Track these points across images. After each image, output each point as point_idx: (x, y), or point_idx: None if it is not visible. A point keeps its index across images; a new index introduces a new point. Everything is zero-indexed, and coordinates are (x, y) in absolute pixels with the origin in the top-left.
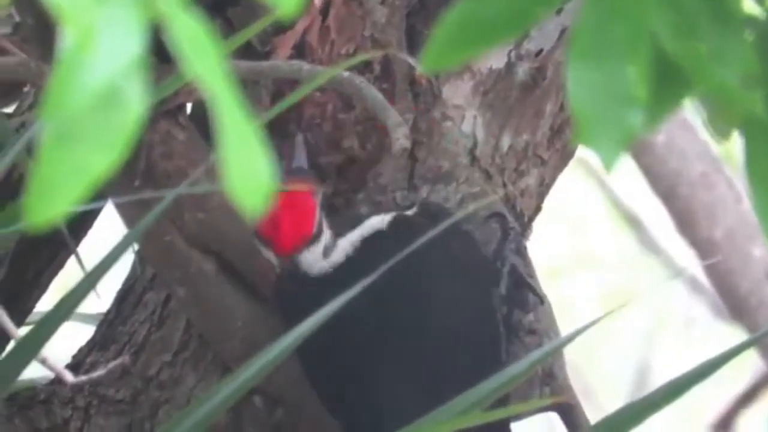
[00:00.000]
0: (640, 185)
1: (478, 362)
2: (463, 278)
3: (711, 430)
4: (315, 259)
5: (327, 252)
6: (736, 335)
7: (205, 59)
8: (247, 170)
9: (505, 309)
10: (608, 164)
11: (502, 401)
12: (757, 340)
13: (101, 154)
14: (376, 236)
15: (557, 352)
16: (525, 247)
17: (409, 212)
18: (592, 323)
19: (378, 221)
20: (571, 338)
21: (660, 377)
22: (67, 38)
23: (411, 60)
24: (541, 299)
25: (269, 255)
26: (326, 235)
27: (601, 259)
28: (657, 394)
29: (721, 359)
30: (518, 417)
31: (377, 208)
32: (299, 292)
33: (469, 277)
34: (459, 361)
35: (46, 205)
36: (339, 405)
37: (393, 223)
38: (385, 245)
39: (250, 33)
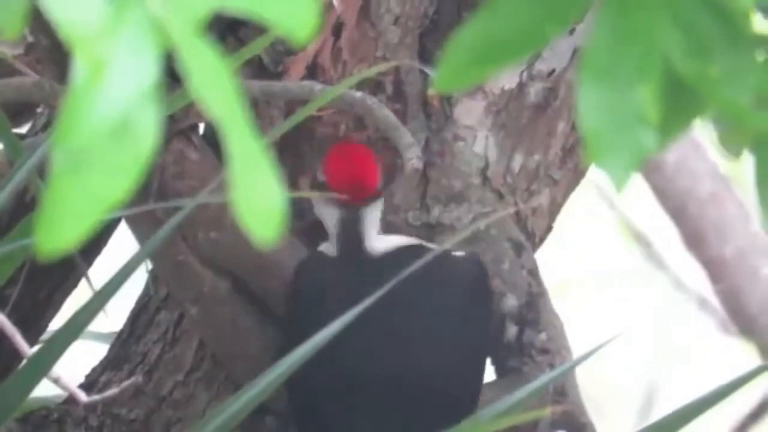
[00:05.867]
0: (650, 204)
1: (452, 404)
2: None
3: None
4: (371, 223)
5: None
6: (745, 352)
7: (216, 88)
8: (257, 195)
9: (515, 329)
10: (619, 184)
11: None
12: None
13: (114, 182)
14: (410, 249)
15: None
16: (537, 267)
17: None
18: (604, 344)
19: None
20: (582, 359)
21: (669, 396)
22: (79, 68)
23: (426, 69)
24: (555, 316)
25: (328, 211)
26: (381, 205)
27: (611, 277)
28: (670, 417)
29: (735, 384)
30: None
31: (389, 228)
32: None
33: (467, 318)
34: (433, 400)
35: (57, 232)
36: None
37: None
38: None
39: (257, 48)
